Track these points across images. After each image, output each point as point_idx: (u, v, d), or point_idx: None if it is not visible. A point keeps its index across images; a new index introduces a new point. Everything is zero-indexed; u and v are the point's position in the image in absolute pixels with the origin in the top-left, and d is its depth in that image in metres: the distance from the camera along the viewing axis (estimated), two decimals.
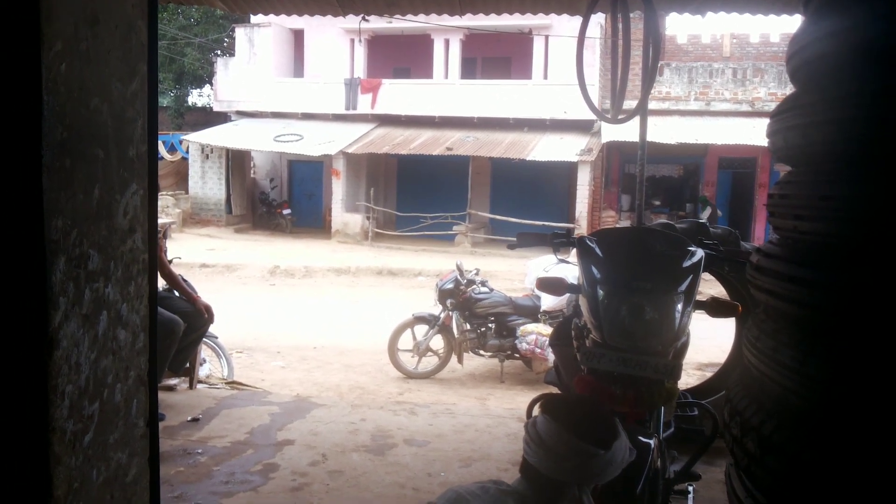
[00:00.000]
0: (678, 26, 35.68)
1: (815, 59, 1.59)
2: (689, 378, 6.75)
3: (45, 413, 1.64)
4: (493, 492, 1.85)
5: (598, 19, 15.49)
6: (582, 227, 17.45)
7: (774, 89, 17.85)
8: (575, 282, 3.04)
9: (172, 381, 4.97)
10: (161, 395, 4.55)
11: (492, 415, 4.72)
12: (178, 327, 4.38)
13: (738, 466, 1.69)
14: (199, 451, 3.83)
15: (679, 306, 2.61)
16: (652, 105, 17.18)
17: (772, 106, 13.92)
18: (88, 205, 1.77)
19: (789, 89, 1.81)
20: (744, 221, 19.04)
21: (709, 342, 7.81)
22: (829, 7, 1.57)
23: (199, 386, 5.15)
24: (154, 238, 2.14)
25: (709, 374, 5.31)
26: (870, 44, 1.43)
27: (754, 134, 15.97)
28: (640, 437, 2.37)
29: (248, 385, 5.77)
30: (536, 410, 2.90)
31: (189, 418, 4.32)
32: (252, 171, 23.46)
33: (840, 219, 1.47)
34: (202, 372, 5.49)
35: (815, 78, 1.60)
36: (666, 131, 16.83)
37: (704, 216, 17.48)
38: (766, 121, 2.04)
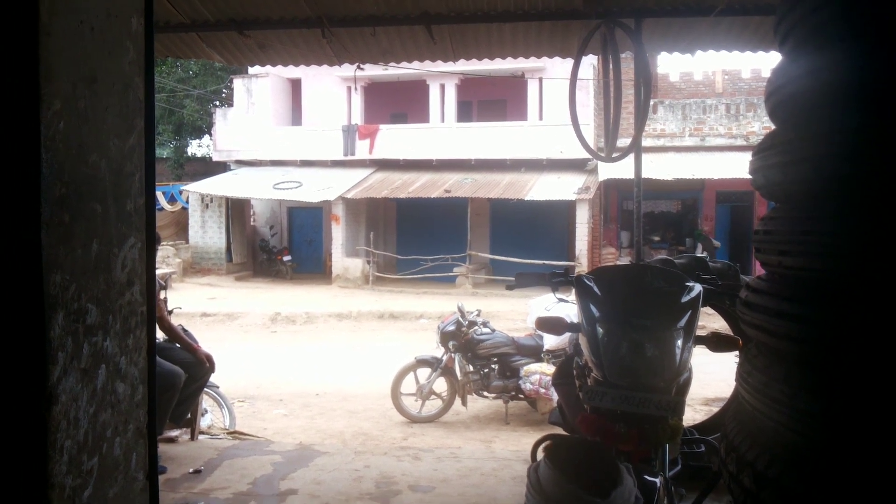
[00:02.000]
0: (670, 65, 36.27)
1: (791, 98, 1.63)
2: (695, 414, 6.69)
3: (43, 469, 1.63)
4: None
5: (590, 60, 15.75)
6: (583, 265, 17.46)
7: (768, 123, 17.99)
8: (575, 320, 3.04)
9: (174, 433, 4.92)
10: (162, 447, 4.50)
11: (497, 458, 4.66)
12: (178, 379, 4.35)
13: (737, 503, 1.68)
14: (202, 503, 3.78)
15: (679, 342, 2.61)
16: (647, 142, 17.36)
17: None
18: (87, 259, 1.78)
19: (766, 133, 1.84)
20: (743, 255, 19.06)
21: (715, 377, 7.77)
22: (804, 46, 1.61)
23: (201, 437, 5.10)
24: (152, 290, 2.15)
25: (715, 410, 5.26)
26: (844, 82, 1.46)
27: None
28: (646, 477, 2.34)
29: (250, 434, 5.71)
30: (540, 453, 2.88)
31: (191, 470, 4.27)
32: (252, 219, 23.59)
33: (822, 254, 1.48)
34: (204, 422, 5.44)
35: (793, 115, 1.63)
36: (662, 167, 16.96)
37: (699, 250, 17.51)
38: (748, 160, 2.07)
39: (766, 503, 1.47)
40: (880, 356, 1.33)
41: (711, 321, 9.02)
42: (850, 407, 1.36)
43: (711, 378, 7.65)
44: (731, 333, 3.73)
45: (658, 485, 2.43)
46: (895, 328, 1.31)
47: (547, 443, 2.58)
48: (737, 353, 3.70)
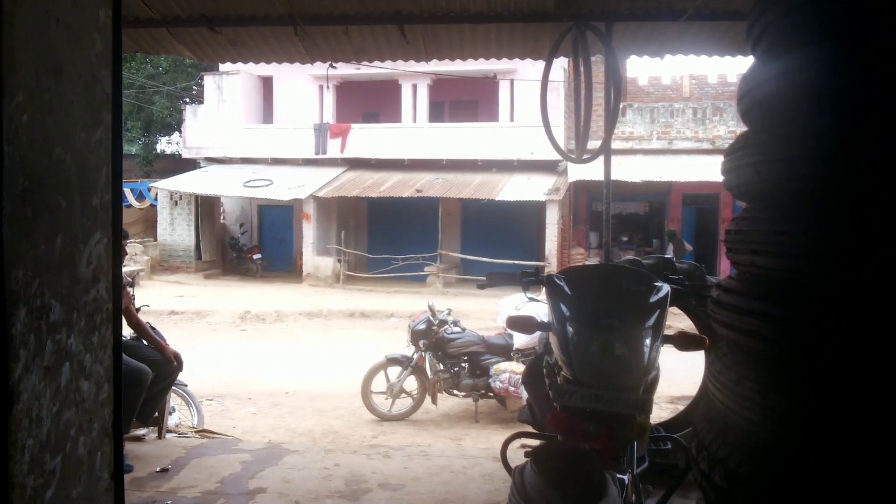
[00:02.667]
0: (639, 69, 36.69)
1: (764, 99, 1.65)
2: (661, 412, 6.77)
3: (4, 469, 1.60)
4: None
5: (561, 63, 15.86)
6: (552, 265, 17.58)
7: (734, 127, 18.35)
8: (545, 319, 3.06)
9: (141, 432, 4.86)
10: (129, 446, 4.44)
11: (467, 455, 4.67)
12: (146, 376, 4.30)
13: (708, 500, 1.70)
14: (169, 502, 3.73)
15: (647, 341, 2.64)
16: (616, 145, 17.53)
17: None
18: (51, 254, 1.75)
19: (738, 134, 1.87)
20: (709, 256, 19.35)
21: (680, 375, 7.87)
22: (777, 49, 1.63)
23: (169, 435, 5.04)
24: (118, 287, 2.12)
25: (681, 408, 5.33)
26: (817, 84, 1.49)
27: (716, 171, 15.99)
28: (615, 473, 2.37)
29: (218, 433, 5.65)
30: (510, 451, 2.89)
31: (158, 469, 4.21)
32: (222, 217, 23.33)
33: (794, 254, 1.51)
34: (171, 421, 5.37)
35: (766, 117, 1.66)
36: (631, 170, 17.15)
37: (669, 251, 17.73)
38: (721, 160, 2.10)
39: (738, 501, 1.49)
40: (851, 355, 1.36)
41: (677, 321, 9.14)
42: (821, 405, 1.39)
43: (677, 377, 7.75)
44: (698, 333, 3.79)
45: (626, 482, 2.46)
46: (865, 327, 1.34)
47: (536, 445, 2.59)
48: (703, 352, 3.77)
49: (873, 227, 1.35)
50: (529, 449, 3.46)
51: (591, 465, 1.86)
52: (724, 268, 18.95)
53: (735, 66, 35.27)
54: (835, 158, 1.42)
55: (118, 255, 2.08)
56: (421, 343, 7.43)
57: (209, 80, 22.07)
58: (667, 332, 2.82)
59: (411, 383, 7.52)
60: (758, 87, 1.68)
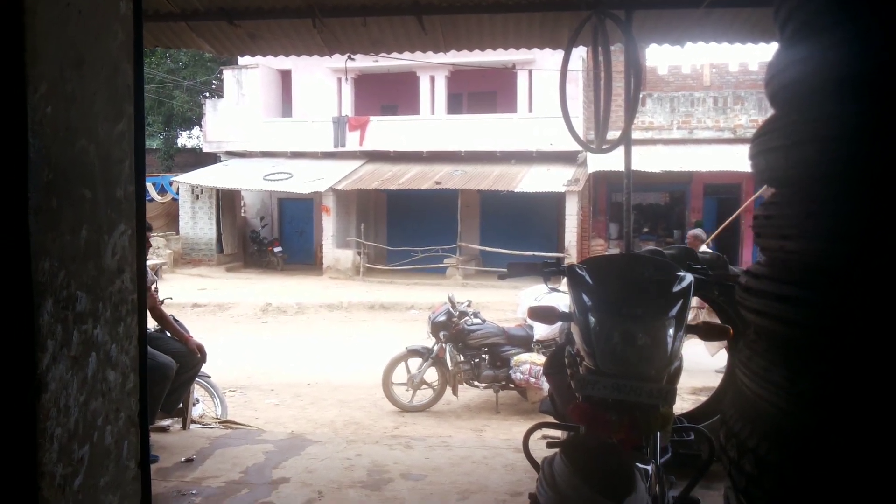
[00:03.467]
0: (658, 58, 36.30)
1: (792, 82, 1.62)
2: (683, 403, 6.73)
3: (33, 457, 1.62)
4: None
5: (580, 53, 15.74)
6: (572, 256, 17.50)
7: (755, 116, 18.11)
8: (566, 310, 3.04)
9: (165, 422, 4.91)
10: (154, 437, 4.49)
11: (488, 446, 4.67)
12: (170, 368, 4.34)
13: (737, 489, 1.68)
14: (194, 492, 3.77)
15: (671, 331, 2.62)
16: (636, 135, 17.37)
17: (753, 132, 14.04)
18: (76, 246, 1.77)
19: (770, 114, 1.83)
20: (731, 246, 19.13)
21: (702, 367, 7.81)
22: (804, 30, 1.60)
23: (193, 426, 5.09)
24: (143, 278, 2.14)
25: (703, 399, 5.29)
26: (845, 65, 1.46)
27: (737, 160, 16.16)
28: (638, 464, 2.35)
29: (241, 424, 5.70)
30: (532, 442, 2.88)
31: (183, 459, 4.26)
32: (242, 210, 23.48)
33: (825, 236, 1.48)
34: (195, 412, 5.43)
35: (795, 100, 1.63)
36: (651, 160, 16.99)
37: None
38: (748, 147, 2.07)
39: (768, 488, 1.47)
40: (883, 340, 1.33)
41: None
42: (852, 391, 1.37)
43: (699, 368, 7.70)
44: (721, 323, 3.75)
45: (650, 472, 2.44)
46: None
47: (564, 437, 2.58)
48: (726, 342, 3.73)
49: None
50: (552, 440, 3.46)
51: (620, 459, 1.85)
52: (747, 258, 18.76)
53: (756, 54, 34.76)
54: (865, 140, 1.39)
55: (142, 246, 2.10)
56: (441, 334, 7.44)
57: (228, 75, 22.18)
58: (690, 322, 2.80)
59: (432, 375, 7.54)
60: (785, 69, 1.64)
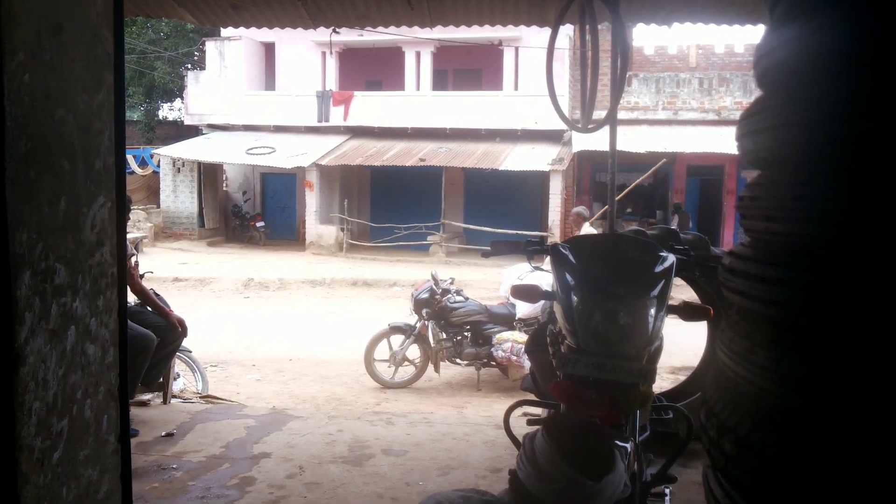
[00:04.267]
0: (645, 38, 36.23)
1: (781, 62, 1.62)
2: (662, 382, 6.81)
3: (11, 431, 1.60)
4: (476, 501, 1.83)
5: (566, 31, 15.66)
6: (555, 235, 17.56)
7: (740, 98, 18.17)
8: (549, 289, 3.06)
9: (146, 397, 4.90)
10: (134, 411, 4.48)
11: (469, 423, 4.71)
12: (150, 342, 4.32)
13: (716, 468, 1.70)
14: (174, 466, 3.77)
15: (652, 311, 2.64)
16: (621, 115, 17.30)
17: (737, 115, 14.06)
18: (54, 217, 1.74)
19: (754, 98, 1.83)
20: (713, 227, 19.29)
21: (681, 346, 7.89)
22: (796, 11, 1.60)
23: (173, 401, 5.08)
24: (123, 251, 2.11)
25: (682, 378, 5.35)
26: (835, 45, 1.46)
27: (721, 142, 16.23)
28: (617, 442, 2.38)
29: (222, 399, 5.70)
30: (513, 419, 2.91)
31: (163, 433, 4.25)
32: (224, 185, 23.27)
33: (811, 219, 1.49)
34: (176, 386, 5.41)
35: (783, 80, 1.62)
36: (635, 140, 17.02)
37: (674, 223, 17.68)
38: (732, 129, 2.06)
39: (748, 467, 1.49)
40: (867, 321, 1.35)
41: (679, 292, 9.14)
42: (836, 372, 1.38)
43: (678, 348, 7.78)
44: (702, 303, 3.78)
45: (628, 450, 2.48)
46: (884, 293, 1.33)
47: (547, 415, 2.60)
48: (706, 322, 3.77)
49: (893, 191, 1.33)
50: (532, 417, 3.49)
51: (601, 438, 1.87)
52: (728, 239, 18.92)
53: (742, 37, 34.80)
54: (853, 121, 1.39)
55: (122, 218, 2.07)
56: (424, 312, 7.45)
57: (211, 46, 21.85)
58: (670, 302, 2.82)
59: (414, 352, 7.56)
60: (775, 49, 1.64)
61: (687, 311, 2.90)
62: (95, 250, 1.93)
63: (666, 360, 7.37)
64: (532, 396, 4.13)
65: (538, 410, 3.54)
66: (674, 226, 14.78)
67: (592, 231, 8.98)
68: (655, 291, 2.68)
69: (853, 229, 1.38)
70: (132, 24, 24.97)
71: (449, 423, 4.69)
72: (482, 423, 4.71)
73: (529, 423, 3.43)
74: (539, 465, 1.73)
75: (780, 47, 1.63)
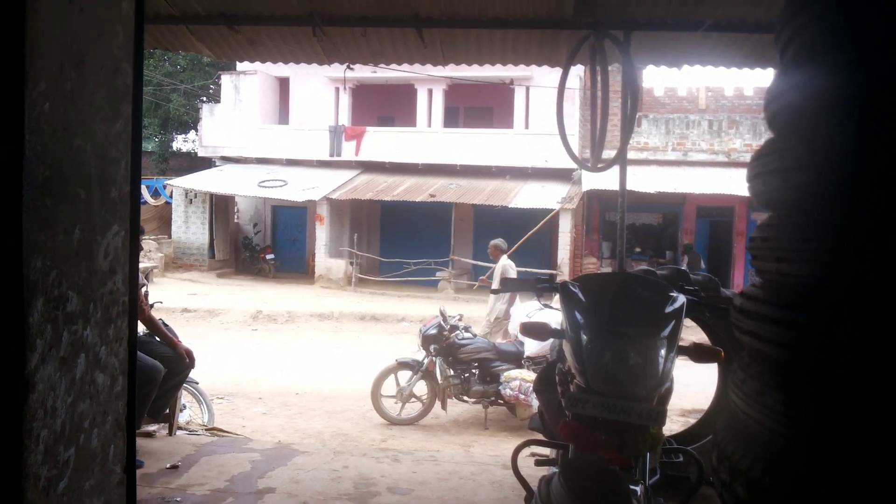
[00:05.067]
0: (655, 80, 36.66)
1: (792, 105, 1.63)
2: (672, 424, 6.72)
3: (18, 458, 1.59)
4: None
5: (577, 71, 15.84)
6: (564, 274, 17.52)
7: (750, 140, 18.26)
8: (558, 327, 3.04)
9: (151, 428, 4.87)
10: (140, 442, 4.44)
11: (476, 462, 4.65)
12: (158, 373, 4.30)
13: None
14: (178, 499, 3.73)
15: (662, 351, 2.61)
16: (631, 155, 17.45)
17: (747, 157, 14.18)
18: (69, 245, 1.75)
19: (764, 140, 1.84)
20: (723, 269, 19.23)
21: (691, 388, 7.81)
22: (806, 54, 1.61)
23: (179, 432, 5.04)
24: (135, 280, 2.12)
25: (693, 421, 5.29)
26: (846, 88, 1.47)
27: (731, 183, 16.26)
28: (627, 483, 2.34)
29: (228, 431, 5.66)
30: (521, 459, 2.87)
31: (168, 465, 4.21)
32: (236, 216, 23.43)
33: (821, 260, 1.48)
34: (182, 418, 5.38)
35: (794, 123, 1.63)
36: (645, 180, 17.08)
37: (684, 264, 17.62)
38: (742, 171, 2.06)
39: None
40: (879, 365, 1.33)
41: (689, 333, 9.09)
42: (848, 416, 1.36)
43: (688, 390, 7.70)
44: (712, 345, 3.75)
45: (638, 493, 2.43)
46: (893, 336, 1.32)
47: (565, 459, 2.56)
48: (717, 364, 3.73)
49: None
50: (540, 457, 3.44)
51: (618, 485, 1.83)
52: (738, 281, 18.82)
53: (752, 80, 35.05)
54: (864, 164, 1.39)
55: (135, 247, 2.08)
56: (431, 348, 7.42)
57: (226, 80, 22.20)
58: (681, 343, 2.79)
59: (421, 388, 7.50)
60: (786, 91, 1.65)
61: (697, 353, 2.87)
62: (108, 279, 1.94)
63: (676, 403, 7.28)
64: (540, 436, 4.08)
65: (546, 451, 3.49)
66: (683, 266, 14.75)
67: (511, 264, 9.06)
68: (666, 332, 2.66)
69: (862, 271, 1.38)
70: (150, 56, 25.46)
71: (456, 461, 4.63)
72: (489, 462, 4.64)
73: (537, 463, 3.38)
74: None
75: (790, 90, 1.64)
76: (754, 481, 1.49)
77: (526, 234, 20.21)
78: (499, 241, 9.48)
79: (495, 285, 8.90)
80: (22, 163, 1.55)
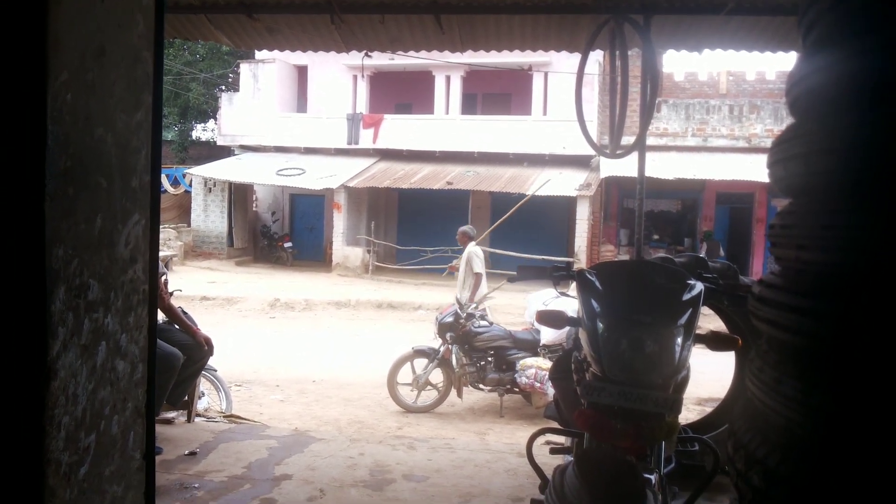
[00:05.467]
0: (675, 64, 36.21)
1: (815, 89, 1.61)
2: (689, 413, 6.69)
3: (40, 444, 1.63)
4: None
5: (596, 56, 15.71)
6: (581, 261, 17.46)
7: (771, 125, 18.03)
8: (575, 315, 3.04)
9: (170, 414, 4.93)
10: (158, 428, 4.50)
11: (491, 450, 4.66)
12: (177, 360, 4.35)
13: (744, 501, 1.66)
14: (196, 485, 3.78)
15: (679, 340, 2.60)
16: (650, 141, 17.29)
17: (768, 142, 14.01)
18: (90, 234, 1.77)
19: (785, 126, 1.82)
20: (742, 256, 19.06)
21: (708, 377, 7.77)
22: (829, 37, 1.59)
23: (197, 419, 5.11)
24: (155, 268, 2.14)
25: (709, 409, 5.26)
26: (869, 72, 1.44)
27: (751, 169, 16.09)
28: (642, 473, 2.34)
29: (246, 419, 5.72)
30: (536, 447, 2.87)
31: (186, 452, 4.27)
32: (254, 205, 23.57)
33: (842, 248, 1.46)
34: (200, 405, 5.44)
35: (816, 108, 1.61)
36: (664, 167, 16.94)
37: (703, 251, 17.48)
38: (762, 157, 2.04)
39: (777, 501, 1.45)
40: None
41: (706, 321, 9.04)
42: (867, 404, 1.35)
43: (705, 378, 7.66)
44: (730, 333, 3.73)
45: (653, 482, 2.43)
46: None
47: (580, 449, 2.57)
48: (734, 352, 3.71)
49: None
50: (555, 446, 3.45)
51: (632, 477, 1.83)
52: (758, 268, 18.66)
53: (774, 64, 34.58)
54: (884, 150, 1.37)
55: (155, 236, 2.11)
56: (448, 336, 7.44)
57: (245, 68, 22.27)
58: (698, 331, 2.78)
59: (437, 376, 7.53)
60: (807, 76, 1.63)
61: (714, 341, 2.86)
62: (129, 267, 1.97)
63: (692, 391, 7.26)
64: (555, 424, 4.08)
65: (562, 439, 3.50)
66: (702, 254, 14.65)
67: (475, 251, 9.00)
68: (683, 320, 2.65)
69: (883, 260, 1.36)
70: (170, 45, 25.57)
71: (471, 449, 4.65)
72: (504, 450, 4.66)
73: (552, 451, 3.38)
74: (567, 501, 1.70)
75: (812, 74, 1.61)
76: (771, 470, 1.48)
77: (542, 222, 20.15)
78: (467, 228, 9.55)
79: (462, 271, 8.95)
80: (44, 152, 1.57)
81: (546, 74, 19.76)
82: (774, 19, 4.76)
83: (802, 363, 1.51)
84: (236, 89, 23.87)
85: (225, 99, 22.96)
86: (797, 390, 1.47)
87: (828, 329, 1.43)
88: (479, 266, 8.89)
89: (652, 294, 2.81)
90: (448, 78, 20.82)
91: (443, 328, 7.49)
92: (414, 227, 21.78)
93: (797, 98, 1.67)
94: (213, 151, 24.77)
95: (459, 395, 7.48)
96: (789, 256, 1.65)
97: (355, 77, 21.37)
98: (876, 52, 1.41)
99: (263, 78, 21.88)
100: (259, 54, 21.52)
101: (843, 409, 1.38)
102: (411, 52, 6.12)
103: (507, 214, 12.14)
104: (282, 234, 22.81)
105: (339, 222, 20.08)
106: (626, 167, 14.50)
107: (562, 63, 17.75)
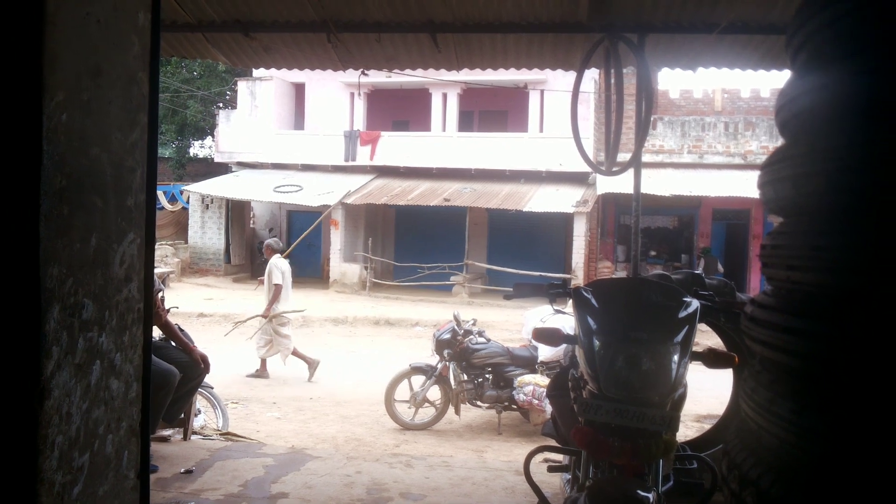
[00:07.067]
0: (670, 82, 36.47)
1: (803, 111, 1.62)
2: (687, 430, 6.67)
3: (33, 464, 1.62)
4: None
5: (591, 74, 15.81)
6: (578, 278, 17.46)
7: (766, 142, 18.12)
8: (571, 332, 3.03)
9: (166, 432, 4.90)
10: (154, 446, 4.48)
11: (489, 467, 4.64)
12: (173, 377, 4.34)
13: None
14: (192, 503, 3.76)
15: (675, 357, 2.60)
16: (646, 157, 17.39)
17: (763, 159, 14.05)
18: (85, 253, 1.77)
19: (780, 142, 1.83)
20: (739, 272, 19.09)
21: (707, 394, 7.76)
22: (817, 60, 1.61)
23: (194, 437, 5.08)
24: (150, 287, 2.14)
25: (707, 427, 5.25)
26: (856, 95, 1.46)
27: (747, 186, 16.13)
28: (639, 492, 2.33)
29: (242, 436, 5.69)
30: (533, 465, 2.86)
31: (182, 470, 4.24)
32: (251, 221, 23.57)
33: (832, 269, 1.47)
34: (197, 423, 5.42)
35: (804, 129, 1.62)
36: (660, 183, 17.00)
37: (699, 267, 17.49)
38: (758, 173, 2.06)
39: None
40: (891, 374, 1.32)
41: (704, 338, 9.04)
42: (858, 425, 1.35)
43: (703, 395, 7.64)
44: (727, 350, 3.73)
45: (651, 500, 2.42)
46: None
47: (593, 480, 2.56)
48: (732, 370, 3.71)
49: None
50: (553, 463, 3.44)
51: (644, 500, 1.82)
52: (755, 285, 18.67)
53: (768, 81, 34.86)
54: (874, 172, 1.38)
55: (150, 255, 2.11)
56: (445, 353, 7.42)
57: (242, 86, 22.37)
58: (695, 348, 2.78)
59: (434, 393, 7.50)
60: (796, 98, 1.64)
61: (711, 358, 2.85)
62: (123, 286, 1.96)
63: (690, 408, 7.24)
64: (553, 442, 4.07)
65: (559, 457, 3.48)
66: (699, 270, 14.64)
67: (276, 263, 9.95)
68: (679, 337, 2.65)
69: (873, 280, 1.37)
70: (167, 63, 25.71)
71: (469, 467, 4.63)
72: (502, 468, 4.63)
73: (550, 469, 3.37)
74: None
75: (800, 97, 1.63)
76: (764, 492, 1.48)
77: (539, 238, 20.18)
78: (271, 241, 10.40)
79: (266, 284, 10.09)
80: (39, 172, 1.57)
81: (542, 92, 19.87)
82: (767, 38, 4.81)
83: (795, 383, 1.51)
84: (234, 106, 23.95)
85: (222, 116, 23.03)
86: (789, 411, 1.47)
87: (820, 349, 1.43)
88: (278, 277, 10.03)
89: (648, 311, 2.81)
90: (445, 95, 20.93)
91: (440, 345, 7.47)
92: (411, 243, 21.79)
93: (786, 121, 1.69)
94: (211, 168, 24.80)
95: (457, 412, 7.45)
96: (780, 277, 1.66)
97: (352, 94, 21.47)
98: (863, 75, 1.43)
99: (261, 95, 21.97)
100: (256, 72, 21.62)
101: (835, 430, 1.38)
102: (408, 71, 6.15)
103: (312, 226, 12.61)
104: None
105: (337, 239, 20.09)
106: (622, 184, 14.55)
107: (558, 81, 17.86)
